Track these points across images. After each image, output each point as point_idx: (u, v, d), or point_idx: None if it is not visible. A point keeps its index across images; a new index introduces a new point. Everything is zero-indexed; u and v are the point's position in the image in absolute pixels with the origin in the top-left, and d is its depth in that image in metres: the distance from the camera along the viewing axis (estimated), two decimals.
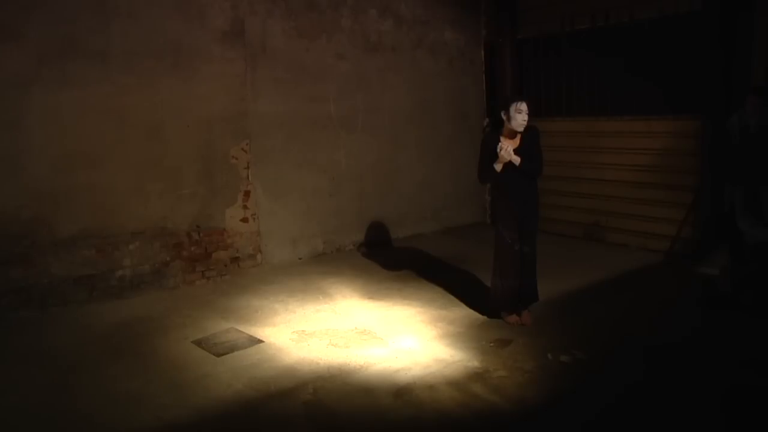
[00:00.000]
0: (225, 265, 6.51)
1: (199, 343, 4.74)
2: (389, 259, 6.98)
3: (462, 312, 5.20)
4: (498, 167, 4.65)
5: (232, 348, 4.61)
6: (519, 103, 4.57)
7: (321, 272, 6.56)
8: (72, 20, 5.46)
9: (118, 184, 5.81)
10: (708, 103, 6.36)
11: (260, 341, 4.72)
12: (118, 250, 5.85)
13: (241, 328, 5.02)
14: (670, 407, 3.57)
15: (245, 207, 6.62)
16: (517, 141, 4.67)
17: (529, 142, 4.68)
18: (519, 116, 4.57)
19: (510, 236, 4.76)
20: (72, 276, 5.61)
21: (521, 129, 4.60)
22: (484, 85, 8.74)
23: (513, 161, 4.60)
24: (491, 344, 4.52)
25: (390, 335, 4.76)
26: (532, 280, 4.90)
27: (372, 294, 5.78)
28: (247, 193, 6.62)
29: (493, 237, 4.96)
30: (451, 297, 5.58)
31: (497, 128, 4.74)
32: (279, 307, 5.49)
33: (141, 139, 5.91)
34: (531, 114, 4.61)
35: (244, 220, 6.63)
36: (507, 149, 4.57)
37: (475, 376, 4.01)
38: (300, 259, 7.13)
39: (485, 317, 5.04)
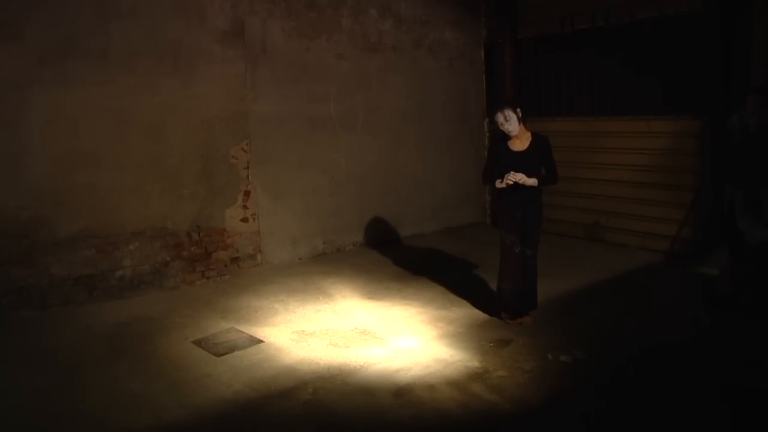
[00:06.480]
0: (225, 265, 6.51)
1: (199, 343, 4.74)
2: (389, 259, 6.98)
3: (462, 312, 5.20)
4: (498, 186, 4.66)
5: (232, 348, 4.61)
6: (494, 115, 4.64)
7: (321, 272, 6.56)
8: (72, 20, 5.46)
9: (118, 184, 5.82)
10: (708, 103, 6.36)
11: (260, 341, 4.72)
12: (118, 250, 5.85)
13: (241, 328, 5.02)
14: (669, 407, 3.57)
15: (245, 207, 6.62)
16: (525, 143, 4.66)
17: (537, 151, 4.64)
18: (502, 127, 4.61)
19: (510, 238, 4.75)
20: (72, 276, 5.61)
21: (512, 135, 4.62)
22: (484, 85, 8.74)
23: (530, 184, 4.55)
24: (491, 344, 4.53)
25: (390, 335, 4.76)
26: (533, 287, 4.87)
27: (372, 294, 5.79)
28: (247, 193, 6.62)
29: (493, 237, 4.96)
30: (451, 297, 5.58)
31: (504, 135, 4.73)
32: (279, 307, 5.49)
33: (141, 139, 5.91)
34: (531, 114, 4.61)
35: (244, 220, 6.63)
36: (509, 180, 4.54)
37: (475, 376, 4.01)
38: (300, 259, 7.13)
39: (485, 317, 5.05)
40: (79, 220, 5.63)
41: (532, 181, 4.56)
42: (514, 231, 4.74)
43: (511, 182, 4.52)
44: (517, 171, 4.55)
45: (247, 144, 6.58)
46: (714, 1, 6.23)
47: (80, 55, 5.52)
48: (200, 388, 3.99)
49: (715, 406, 3.59)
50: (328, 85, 7.21)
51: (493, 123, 4.80)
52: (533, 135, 4.69)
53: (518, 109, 4.59)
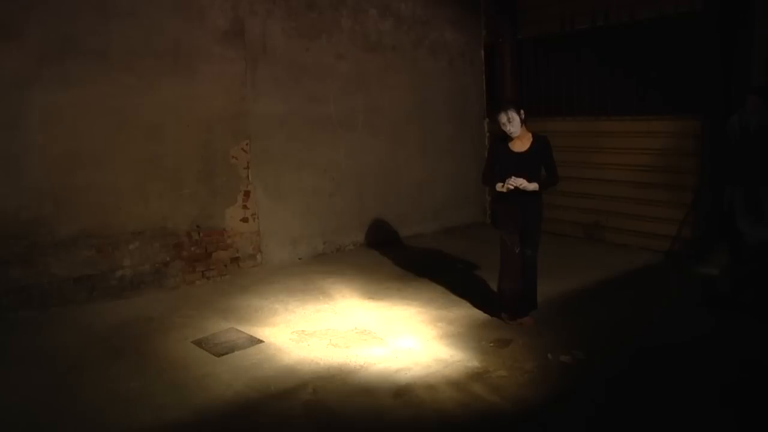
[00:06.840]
0: (225, 265, 6.51)
1: (199, 343, 4.74)
2: (389, 259, 6.98)
3: (462, 312, 5.20)
4: (499, 189, 4.63)
5: (232, 348, 4.61)
6: (497, 114, 4.61)
7: (321, 272, 6.55)
8: (72, 20, 5.46)
9: (118, 184, 5.82)
10: (708, 103, 6.35)
11: (260, 341, 4.72)
12: (118, 250, 5.85)
13: (241, 328, 5.02)
14: (669, 407, 3.57)
15: (245, 207, 6.62)
16: (526, 144, 4.65)
17: (538, 151, 4.64)
18: (504, 128, 4.60)
19: (510, 239, 4.75)
20: (72, 276, 5.61)
21: (513, 136, 4.61)
22: (484, 85, 8.73)
23: (531, 189, 4.54)
24: (491, 344, 4.52)
25: (390, 335, 4.76)
26: (533, 287, 4.87)
27: (372, 294, 5.78)
28: (247, 193, 6.62)
29: (493, 237, 4.96)
30: (451, 297, 5.58)
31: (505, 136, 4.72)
32: (279, 307, 5.49)
33: (141, 139, 5.91)
34: (531, 114, 4.60)
35: (244, 220, 6.63)
36: (510, 185, 4.51)
37: (475, 376, 4.01)
38: (300, 259, 7.13)
39: (485, 317, 5.04)
40: (79, 220, 5.63)
41: (533, 186, 4.54)
42: (514, 231, 4.73)
43: (512, 187, 4.52)
44: (517, 172, 4.53)
45: (247, 144, 6.58)
46: (714, 1, 6.23)
47: (80, 55, 5.52)
48: (200, 389, 3.99)
49: (715, 406, 3.59)
50: (328, 85, 7.21)
51: (494, 123, 4.79)
52: (534, 136, 4.68)
53: (521, 111, 4.59)
